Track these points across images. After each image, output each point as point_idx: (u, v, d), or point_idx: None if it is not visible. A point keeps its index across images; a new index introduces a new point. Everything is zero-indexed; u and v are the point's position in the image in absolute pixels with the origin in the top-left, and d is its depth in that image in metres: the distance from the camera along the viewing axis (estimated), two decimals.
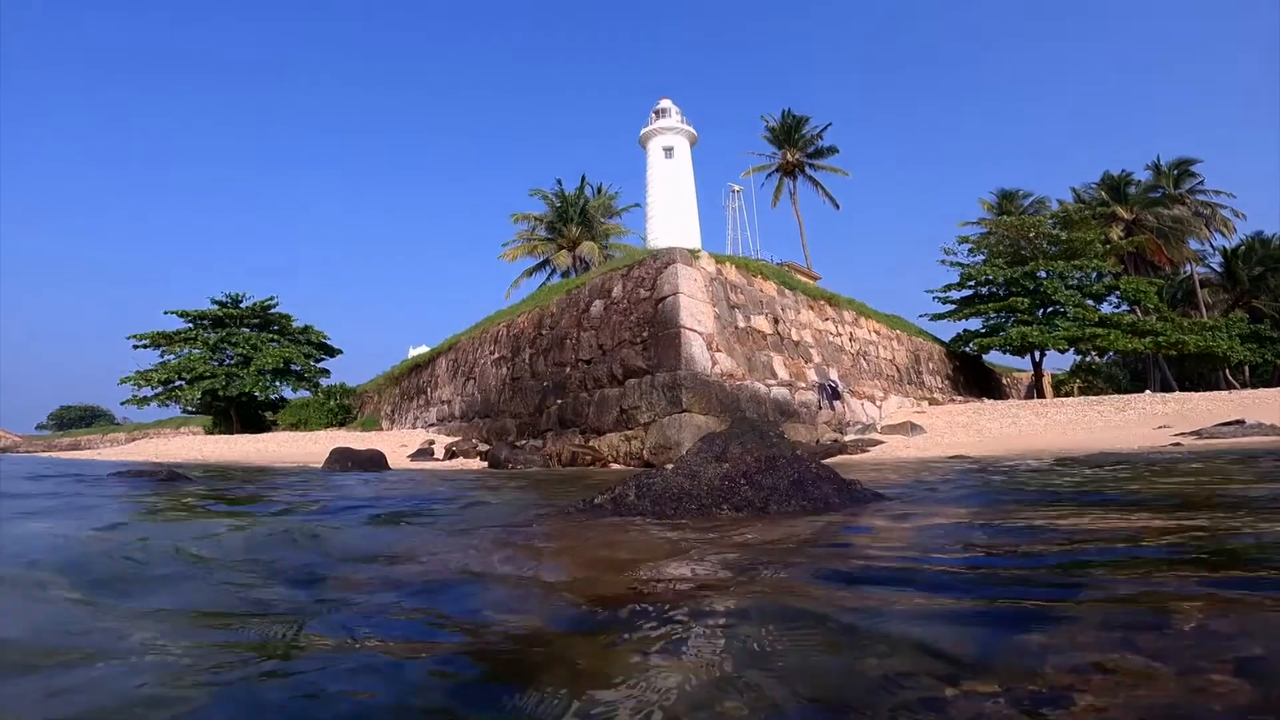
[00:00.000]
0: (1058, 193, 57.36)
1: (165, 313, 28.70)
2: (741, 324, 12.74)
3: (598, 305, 13.07)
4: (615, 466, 11.31)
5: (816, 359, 14.80)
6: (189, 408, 31.49)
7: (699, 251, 12.80)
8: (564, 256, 28.10)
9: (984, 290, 24.76)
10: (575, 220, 28.96)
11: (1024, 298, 22.98)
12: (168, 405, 30.28)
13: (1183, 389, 32.36)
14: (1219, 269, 39.47)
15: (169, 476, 6.81)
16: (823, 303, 16.22)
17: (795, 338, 14.38)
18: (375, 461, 11.01)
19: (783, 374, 13.47)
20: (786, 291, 14.80)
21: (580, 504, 3.20)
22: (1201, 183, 34.95)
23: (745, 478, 3.46)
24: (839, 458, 10.99)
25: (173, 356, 28.30)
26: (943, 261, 25.88)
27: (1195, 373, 33.32)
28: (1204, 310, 35.78)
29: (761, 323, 13.33)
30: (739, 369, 12.28)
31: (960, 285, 24.93)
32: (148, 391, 28.61)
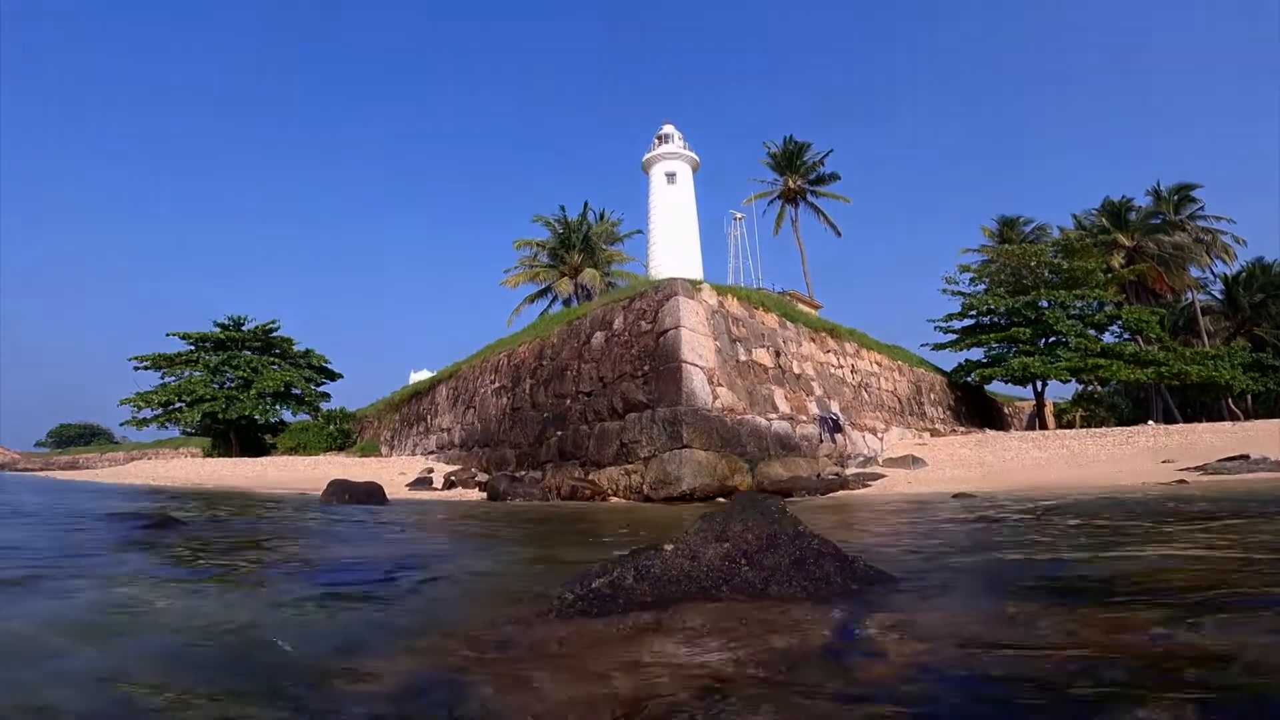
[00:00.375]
0: (1059, 219, 57.62)
1: (167, 334, 28.81)
2: (743, 357, 12.69)
3: (599, 337, 13.04)
4: (615, 500, 11.20)
5: (818, 391, 14.73)
6: (188, 429, 31.42)
7: (701, 283, 12.79)
8: (566, 284, 28.08)
9: (986, 320, 24.74)
10: (578, 247, 28.97)
11: (1025, 328, 22.95)
12: (167, 427, 30.21)
13: (1185, 417, 32.18)
14: (1220, 296, 39.45)
15: (162, 522, 6.67)
16: (824, 334, 16.19)
17: (797, 370, 14.32)
18: (373, 494, 10.89)
19: (784, 407, 13.39)
20: (788, 324, 14.78)
21: (572, 593, 3.08)
22: (1202, 208, 34.98)
23: (746, 557, 3.38)
24: (840, 493, 10.88)
25: (173, 378, 28.30)
26: (944, 290, 25.95)
27: (1197, 401, 33.14)
28: (1205, 338, 35.69)
29: (763, 356, 13.28)
30: (740, 403, 12.21)
31: (962, 315, 24.92)
32: (148, 413, 28.55)
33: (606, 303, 13.56)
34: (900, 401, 19.48)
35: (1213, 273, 36.94)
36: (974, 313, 24.79)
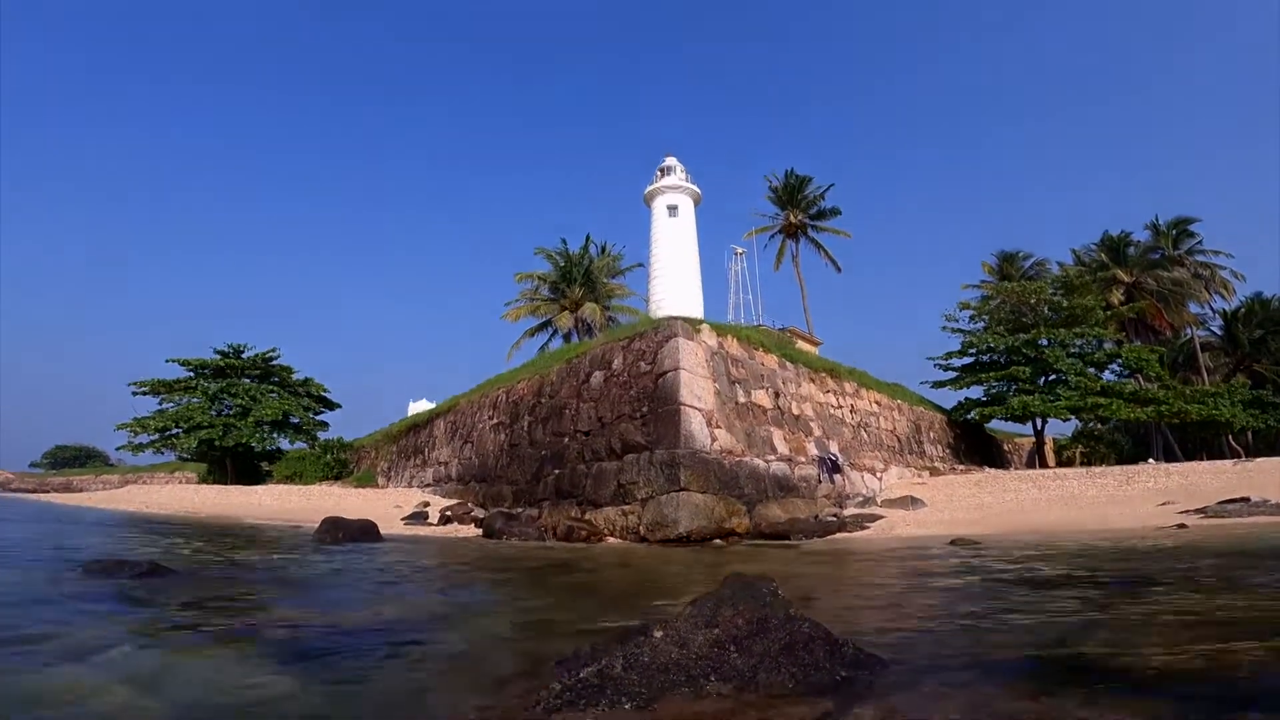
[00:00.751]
0: (1058, 253, 57.85)
1: (167, 360, 28.88)
2: (742, 399, 12.69)
3: (598, 377, 13.05)
4: (611, 540, 11.11)
5: (817, 432, 14.70)
6: (184, 454, 31.33)
7: (700, 324, 12.83)
8: (566, 318, 28.07)
9: (985, 358, 24.77)
10: (579, 281, 29.02)
11: (1025, 366, 22.98)
12: (163, 452, 30.13)
13: (1185, 453, 32.00)
14: (1219, 332, 39.43)
15: (150, 570, 6.51)
16: (824, 375, 16.20)
17: (796, 411, 14.30)
18: (367, 532, 10.79)
19: (782, 448, 13.35)
20: (788, 364, 14.80)
21: (560, 683, 3.05)
22: (1200, 242, 35.05)
23: (735, 643, 3.35)
24: (838, 535, 10.80)
25: (172, 405, 28.29)
26: (944, 328, 26.04)
27: (1197, 437, 32.97)
28: (1205, 375, 35.56)
29: (762, 397, 13.28)
30: (738, 445, 12.18)
31: (962, 353, 24.98)
32: (144, 438, 28.50)
33: (606, 342, 13.58)
34: (900, 440, 19.41)
35: (1212, 309, 36.91)
36: (974, 351, 24.84)
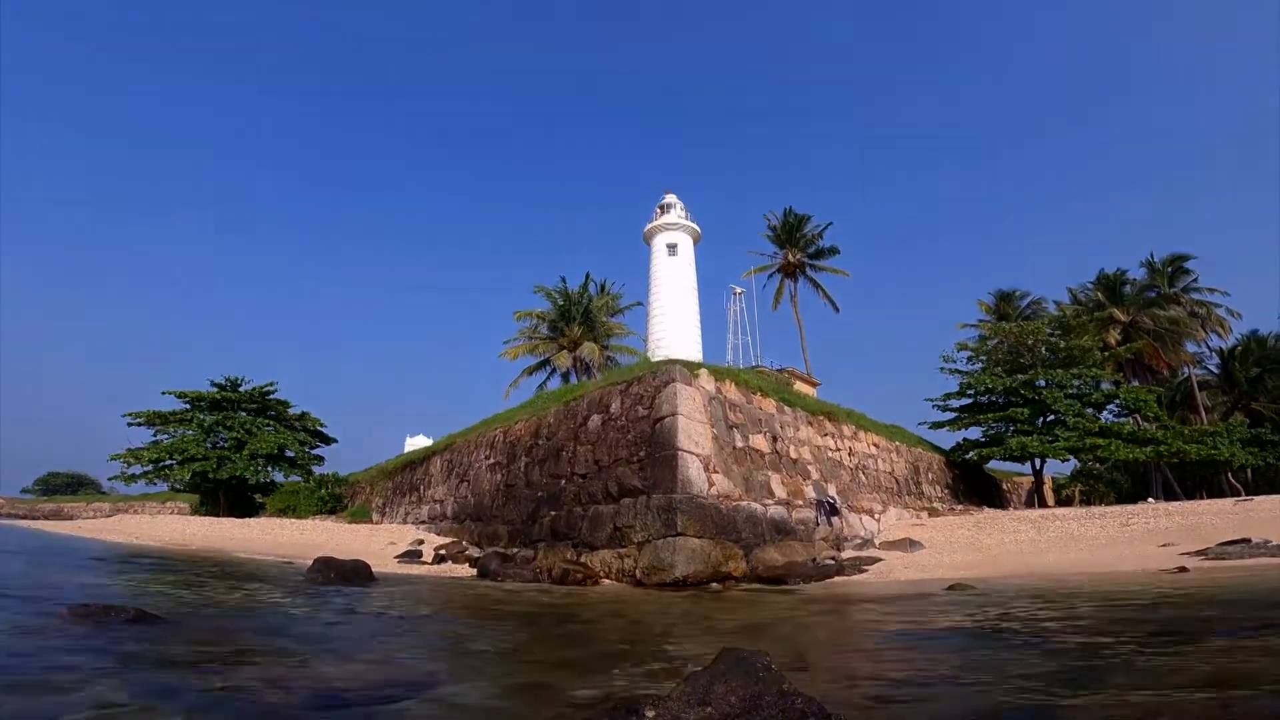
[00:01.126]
0: (1054, 291, 58.18)
1: (163, 393, 28.79)
2: (740, 444, 12.68)
3: (595, 420, 13.05)
4: (606, 582, 11.00)
5: (815, 475, 14.64)
6: (177, 485, 31.07)
7: (699, 369, 12.87)
8: (564, 357, 28.02)
9: (984, 399, 24.77)
10: (578, 320, 29.04)
11: (1023, 408, 23.00)
12: (155, 483, 29.85)
13: (1185, 491, 31.82)
14: (1216, 371, 39.44)
15: (137, 617, 6.36)
16: (822, 418, 16.20)
17: (794, 455, 14.28)
18: (359, 572, 10.65)
19: (780, 492, 13.29)
20: (786, 408, 14.81)
21: None
22: (1196, 280, 35.19)
23: None
24: (835, 579, 10.71)
25: (166, 436, 28.14)
26: (942, 369, 26.09)
27: (1197, 475, 32.82)
28: (1203, 414, 35.47)
29: (760, 442, 13.26)
30: (736, 489, 12.13)
31: (960, 394, 25.01)
32: (138, 469, 28.28)
33: (604, 385, 13.60)
34: (898, 482, 19.33)
35: (1208, 347, 36.92)
36: (972, 392, 24.86)
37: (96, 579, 9.94)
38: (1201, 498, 31.28)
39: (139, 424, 28.43)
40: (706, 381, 12.66)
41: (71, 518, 46.61)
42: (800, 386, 26.14)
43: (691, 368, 12.83)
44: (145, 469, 28.20)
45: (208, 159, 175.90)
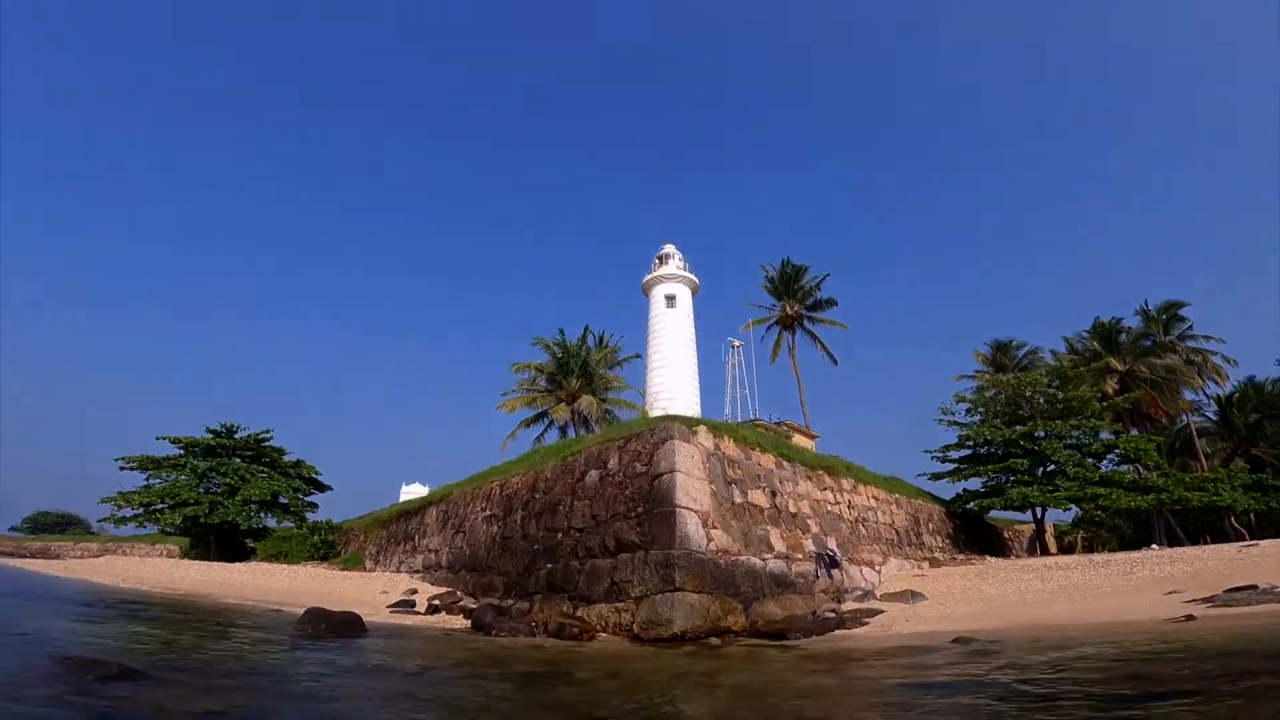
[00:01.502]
0: (1050, 340, 58.37)
1: (158, 438, 28.64)
2: (738, 499, 12.58)
3: (593, 475, 12.98)
4: (603, 636, 10.78)
5: (814, 529, 14.50)
6: (167, 529, 30.60)
7: (697, 425, 12.86)
8: (562, 410, 27.89)
9: (983, 450, 24.68)
10: (576, 372, 28.98)
11: (1023, 459, 22.93)
12: (145, 526, 29.39)
13: (1188, 536, 31.46)
14: (1215, 418, 39.22)
15: (119, 674, 6.12)
16: (821, 472, 16.13)
17: (793, 509, 14.16)
18: (351, 624, 10.41)
19: (780, 546, 13.13)
20: (785, 464, 14.75)
21: None
22: (1191, 327, 35.22)
23: None
24: (836, 633, 10.51)
25: (159, 481, 27.84)
26: (940, 421, 26.07)
27: (1200, 520, 32.48)
28: (1203, 460, 35.22)
29: (759, 497, 13.17)
30: (735, 544, 11.99)
31: (959, 446, 24.94)
32: (128, 512, 27.90)
33: (602, 441, 13.57)
34: (898, 533, 19.13)
35: (1205, 394, 36.77)
36: (971, 443, 24.78)
37: (81, 625, 9.66)
38: (1205, 542, 30.86)
39: (131, 468, 28.15)
40: (705, 438, 12.62)
41: (59, 556, 45.76)
42: (799, 439, 26.05)
43: (690, 424, 12.81)
44: (136, 512, 27.82)
45: (206, 210, 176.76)
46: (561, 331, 30.82)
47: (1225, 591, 9.79)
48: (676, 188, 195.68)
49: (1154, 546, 24.37)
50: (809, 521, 14.49)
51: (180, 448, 28.66)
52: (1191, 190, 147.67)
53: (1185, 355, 34.04)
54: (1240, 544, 17.82)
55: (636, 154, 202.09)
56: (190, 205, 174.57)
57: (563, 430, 27.98)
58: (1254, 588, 9.78)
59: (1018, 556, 27.36)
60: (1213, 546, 17.90)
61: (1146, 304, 36.38)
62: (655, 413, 26.67)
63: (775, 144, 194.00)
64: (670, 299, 34.61)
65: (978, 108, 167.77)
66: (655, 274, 35.61)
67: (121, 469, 28.08)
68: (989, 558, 22.64)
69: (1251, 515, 31.08)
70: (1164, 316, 35.75)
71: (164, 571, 22.58)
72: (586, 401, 27.79)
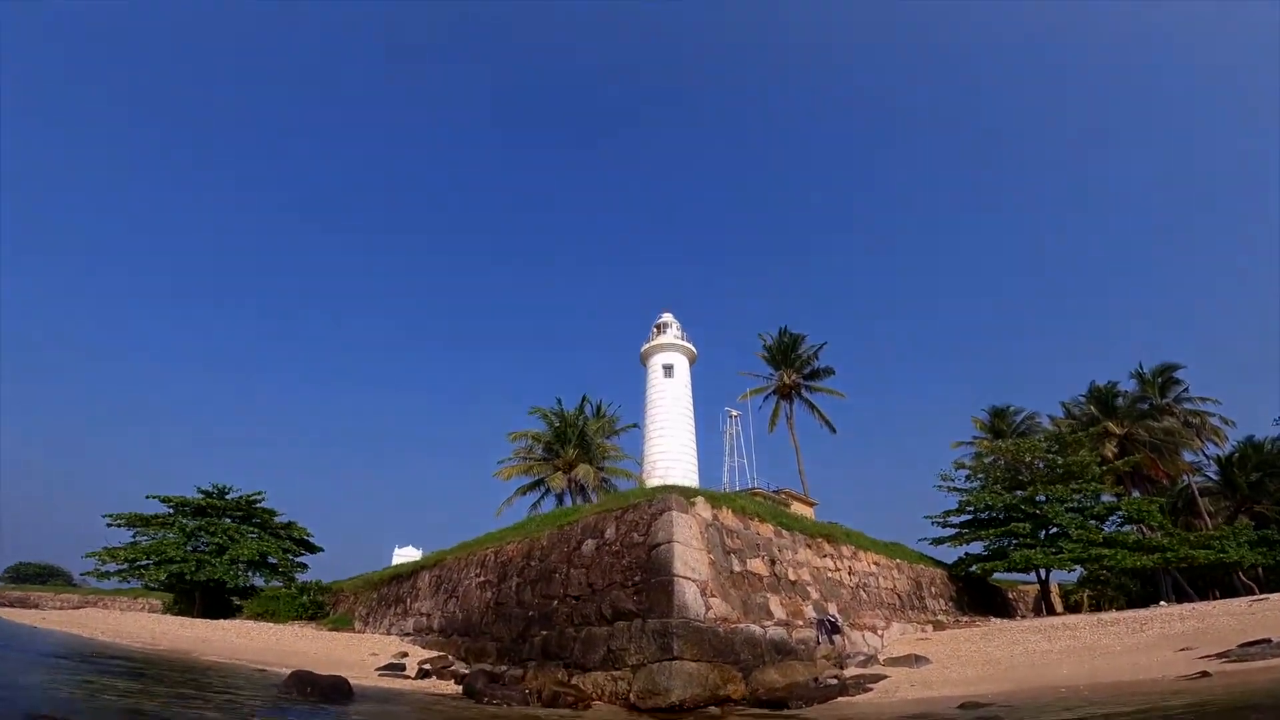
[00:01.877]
0: (1047, 405, 58.34)
1: (147, 496, 28.25)
2: (737, 568, 12.40)
3: (589, 544, 12.84)
4: (599, 705, 10.48)
5: (815, 595, 14.23)
6: (151, 584, 29.89)
7: (695, 496, 12.82)
8: (559, 479, 27.74)
9: (983, 515, 24.49)
10: (573, 442, 28.90)
11: (1024, 523, 22.75)
12: (129, 581, 28.72)
13: (1197, 590, 30.99)
14: (1216, 478, 38.92)
15: None
16: (821, 540, 16.00)
17: (793, 577, 13.95)
18: (338, 689, 10.01)
19: (780, 614, 12.87)
20: (784, 532, 14.65)
21: None
22: (1186, 390, 35.35)
23: None
24: (839, 700, 10.25)
25: (146, 538, 27.35)
26: (939, 487, 25.91)
27: (1208, 574, 31.92)
28: (1207, 519, 34.92)
29: (758, 565, 12.99)
30: (734, 612, 11.76)
31: (959, 511, 24.79)
32: (112, 567, 27.27)
33: (599, 511, 13.49)
34: (900, 598, 18.78)
35: (1205, 455, 36.59)
36: (971, 509, 24.60)
37: (51, 678, 9.27)
38: (1214, 597, 30.43)
39: (119, 525, 27.68)
40: (703, 509, 12.57)
41: (37, 606, 44.88)
42: (797, 507, 25.93)
43: (688, 495, 12.77)
44: (120, 567, 27.22)
45: (203, 272, 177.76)
46: (559, 401, 30.85)
47: (1239, 646, 9.64)
48: (675, 256, 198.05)
49: (1163, 603, 23.95)
50: (809, 588, 14.24)
51: (170, 507, 28.25)
52: (1180, 257, 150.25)
53: (1183, 417, 34.08)
54: (1250, 598, 17.46)
55: (634, 221, 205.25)
56: (187, 261, 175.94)
57: (559, 498, 27.81)
58: (1268, 641, 9.63)
59: (1023, 617, 26.78)
60: (1222, 601, 17.55)
61: (1141, 367, 36.63)
62: (653, 482, 26.66)
63: (772, 212, 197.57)
64: (668, 368, 34.54)
65: (976, 175, 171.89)
66: (653, 343, 35.63)
67: (109, 525, 27.60)
68: (994, 619, 22.14)
69: (1260, 569, 30.63)
70: (1159, 380, 35.87)
71: (144, 626, 21.90)
72: (584, 470, 27.65)
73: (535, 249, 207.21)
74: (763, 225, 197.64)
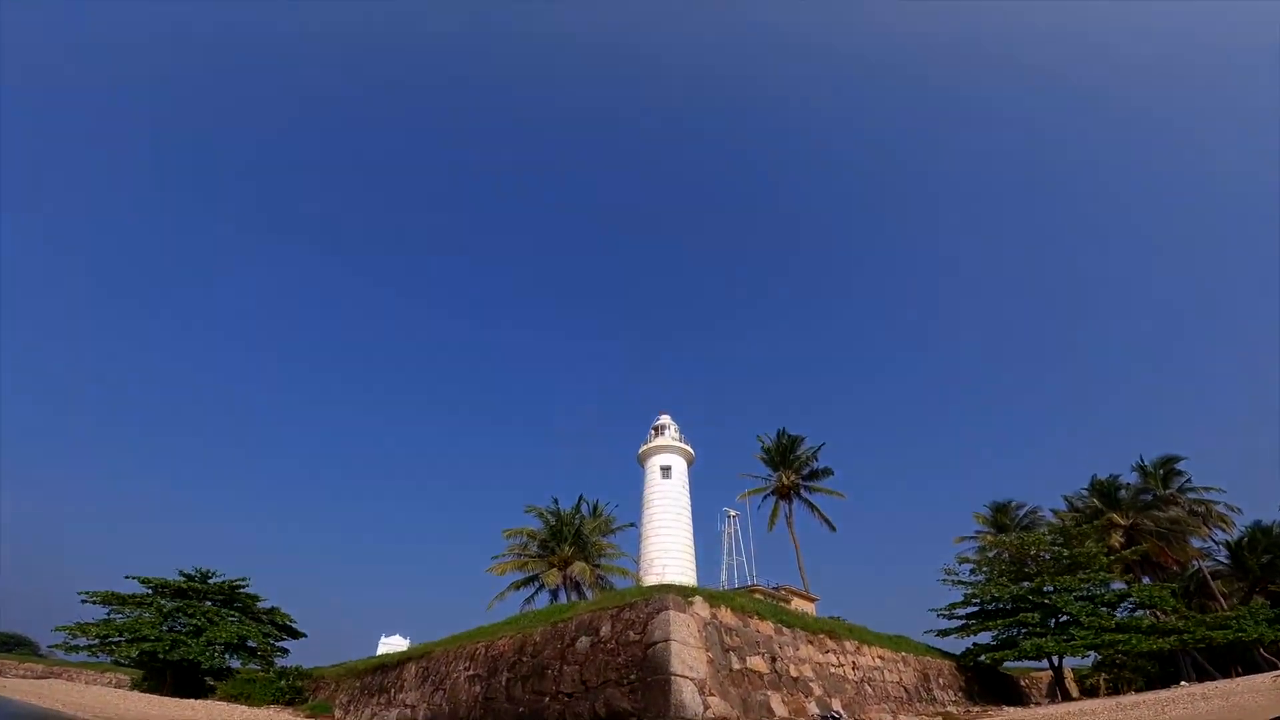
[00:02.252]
0: (1049, 499, 57.53)
1: (127, 576, 27.42)
2: (736, 666, 11.85)
3: (584, 641, 12.34)
4: None
5: (818, 691, 13.54)
6: (122, 660, 28.52)
7: (693, 595, 12.43)
8: (554, 575, 27.49)
9: (991, 607, 23.81)
10: (569, 540, 28.79)
11: (1033, 612, 22.13)
12: (99, 656, 27.40)
13: (1217, 668, 30.01)
14: (1226, 561, 38.43)
15: None
16: (823, 636, 15.45)
17: (794, 673, 13.32)
18: None
19: (781, 711, 12.20)
20: (784, 629, 14.15)
21: None
22: (1189, 480, 34.97)
23: None
24: None
25: (121, 616, 26.33)
26: (943, 581, 25.39)
27: (1228, 652, 30.77)
28: (1221, 600, 34.18)
29: (758, 663, 12.41)
30: (734, 711, 11.14)
31: (965, 603, 24.17)
32: (82, 641, 26.07)
33: (594, 609, 13.08)
34: (907, 690, 17.91)
35: (1214, 541, 36.01)
36: (978, 601, 24.00)
37: None
38: (1237, 673, 29.72)
39: (94, 602, 26.70)
40: (701, 608, 12.19)
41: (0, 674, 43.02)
42: (798, 603, 25.44)
43: (685, 594, 12.39)
44: (91, 642, 26.03)
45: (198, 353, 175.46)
46: (555, 500, 30.88)
47: None
48: (672, 355, 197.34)
49: (1184, 683, 22.99)
50: (811, 684, 13.58)
51: (149, 588, 27.36)
52: (1177, 352, 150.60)
53: (1188, 506, 33.72)
54: (1273, 673, 16.67)
55: (633, 322, 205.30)
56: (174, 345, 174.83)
57: (554, 594, 27.52)
58: None
59: (1037, 704, 25.53)
60: (1245, 679, 16.73)
61: (1142, 460, 36.47)
62: (650, 580, 26.41)
63: (770, 311, 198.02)
64: (666, 469, 34.59)
65: (974, 269, 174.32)
66: (651, 444, 35.83)
67: (83, 602, 26.59)
68: (1006, 708, 21.06)
69: None
70: (1161, 471, 35.77)
71: (108, 701, 20.72)
72: (579, 567, 27.42)
73: (532, 355, 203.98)
74: (763, 339, 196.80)
